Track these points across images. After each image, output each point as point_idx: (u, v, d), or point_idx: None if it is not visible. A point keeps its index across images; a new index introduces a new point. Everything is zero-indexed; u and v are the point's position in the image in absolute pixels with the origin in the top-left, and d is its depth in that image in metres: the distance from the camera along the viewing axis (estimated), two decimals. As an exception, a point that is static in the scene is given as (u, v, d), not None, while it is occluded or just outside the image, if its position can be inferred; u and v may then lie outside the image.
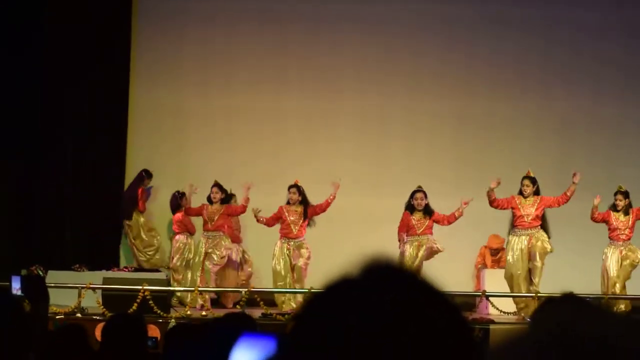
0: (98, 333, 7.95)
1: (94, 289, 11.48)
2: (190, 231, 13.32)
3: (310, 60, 14.66)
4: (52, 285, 10.65)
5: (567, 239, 13.25)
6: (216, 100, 14.58)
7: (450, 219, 12.29)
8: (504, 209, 12.33)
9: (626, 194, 12.44)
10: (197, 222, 13.18)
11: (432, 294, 1.11)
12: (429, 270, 12.08)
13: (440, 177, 14.10)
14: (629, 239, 12.39)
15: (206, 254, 12.71)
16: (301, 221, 12.40)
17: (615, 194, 12.47)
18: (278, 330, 9.57)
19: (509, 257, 12.34)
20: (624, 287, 12.34)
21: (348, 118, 14.60)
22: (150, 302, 11.22)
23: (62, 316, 10.81)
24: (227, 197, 13.19)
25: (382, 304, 1.07)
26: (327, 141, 14.56)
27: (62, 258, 13.53)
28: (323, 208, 12.43)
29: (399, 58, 14.69)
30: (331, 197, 12.38)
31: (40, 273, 11.82)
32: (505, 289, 12.38)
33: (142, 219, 14.03)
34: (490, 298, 12.10)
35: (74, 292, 11.49)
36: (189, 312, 11.57)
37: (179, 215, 13.30)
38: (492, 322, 11.35)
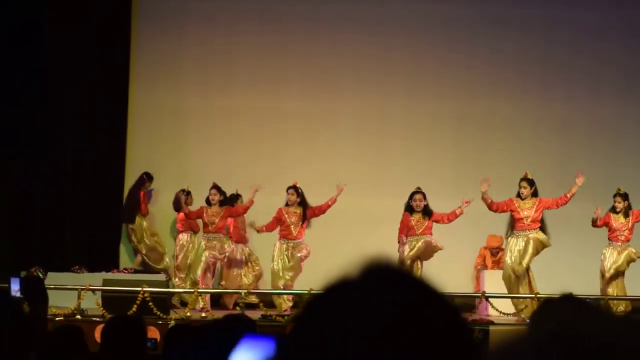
0: (98, 334, 7.96)
1: (93, 291, 11.48)
2: (194, 229, 13.31)
3: (310, 61, 14.66)
4: (52, 286, 10.63)
5: (566, 239, 13.25)
6: (216, 101, 14.58)
7: (451, 217, 12.27)
8: (504, 211, 12.32)
9: (625, 196, 12.44)
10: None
11: (431, 295, 1.11)
12: (428, 271, 12.08)
13: (440, 178, 14.10)
14: (628, 241, 12.39)
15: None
16: (301, 223, 12.40)
17: (615, 196, 12.47)
18: (278, 331, 9.57)
19: (507, 259, 12.34)
20: (615, 277, 12.27)
21: (348, 118, 14.60)
22: (150, 303, 11.22)
23: (62, 318, 10.80)
24: (233, 198, 13.20)
25: (381, 306, 1.07)
26: (327, 141, 14.57)
27: (62, 259, 13.53)
28: (323, 210, 12.43)
29: (399, 58, 14.69)
30: (332, 200, 12.37)
31: (40, 275, 11.81)
32: (505, 290, 12.38)
33: (145, 223, 13.99)
34: (490, 299, 12.09)
35: (73, 293, 11.49)
36: (188, 314, 11.57)
37: (181, 214, 13.30)
38: (492, 323, 11.34)
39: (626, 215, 12.41)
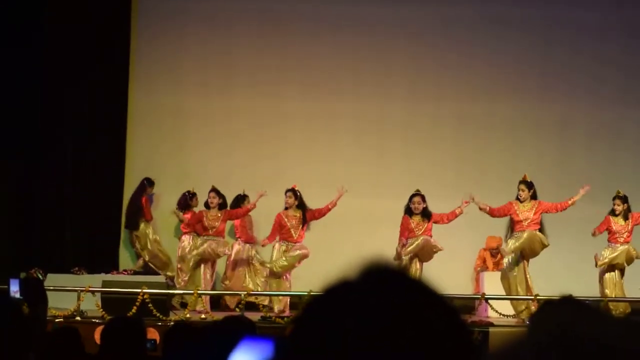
0: (97, 336, 7.96)
1: (93, 292, 11.48)
2: (197, 232, 13.30)
3: (310, 62, 14.67)
4: (51, 288, 10.63)
5: (565, 241, 13.25)
6: (216, 101, 14.58)
7: (450, 217, 12.27)
8: (505, 215, 12.33)
9: (625, 199, 12.44)
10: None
11: (430, 297, 1.11)
12: (428, 272, 12.07)
13: (439, 179, 14.10)
14: (627, 243, 12.38)
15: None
16: (301, 226, 12.40)
17: (614, 198, 12.46)
18: (277, 333, 9.57)
19: (506, 260, 12.37)
20: (610, 270, 12.26)
21: (348, 119, 14.60)
22: (150, 305, 11.21)
23: (61, 319, 10.80)
24: (240, 198, 13.19)
25: (380, 307, 1.07)
26: (327, 142, 14.56)
27: (61, 261, 13.53)
28: (322, 213, 12.41)
29: (399, 59, 14.69)
30: (332, 204, 12.37)
31: (39, 276, 11.81)
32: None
33: (149, 230, 13.97)
34: (490, 301, 12.09)
35: (73, 295, 11.48)
36: (188, 315, 11.56)
37: (187, 215, 13.28)
38: (492, 324, 11.34)
39: (626, 218, 12.41)
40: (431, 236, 12.24)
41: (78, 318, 11.11)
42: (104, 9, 14.06)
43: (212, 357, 3.58)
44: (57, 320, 10.62)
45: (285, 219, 12.36)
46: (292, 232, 12.36)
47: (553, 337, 1.10)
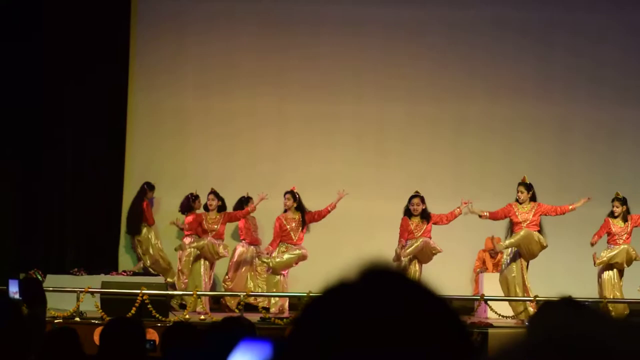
0: (97, 337, 7.95)
1: (92, 293, 11.47)
2: (198, 234, 13.29)
3: (309, 64, 14.66)
4: (51, 289, 10.63)
5: (564, 242, 13.25)
6: (216, 103, 14.58)
7: (450, 218, 12.28)
8: (505, 217, 12.33)
9: (624, 201, 12.43)
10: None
11: (429, 298, 1.11)
12: (427, 273, 12.07)
13: (439, 180, 14.11)
14: (627, 245, 12.37)
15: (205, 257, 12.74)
16: (300, 228, 12.40)
17: (613, 200, 12.47)
18: (277, 334, 9.57)
19: (504, 261, 12.38)
20: (608, 269, 12.24)
21: (347, 121, 14.60)
22: (149, 306, 11.21)
23: (61, 320, 10.80)
24: (244, 200, 13.18)
25: (379, 308, 1.07)
26: (327, 144, 14.56)
27: (61, 262, 13.52)
28: (322, 215, 12.42)
29: (398, 61, 14.69)
30: (331, 206, 12.37)
31: (39, 277, 11.80)
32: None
33: (151, 234, 13.95)
34: (489, 302, 12.09)
35: (72, 296, 11.48)
36: (187, 316, 11.56)
37: (189, 217, 13.28)
38: (491, 326, 11.34)
39: (625, 220, 12.41)
40: (430, 237, 12.24)
41: (77, 319, 11.11)
42: (103, 10, 14.06)
43: (211, 358, 3.58)
44: (56, 321, 10.62)
45: (285, 222, 12.36)
46: (292, 234, 12.36)
47: (552, 338, 1.10)
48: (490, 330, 10.89)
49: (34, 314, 6.79)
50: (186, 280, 12.83)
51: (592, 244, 12.27)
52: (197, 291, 12.16)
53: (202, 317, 11.67)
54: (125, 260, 14.19)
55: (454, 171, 14.48)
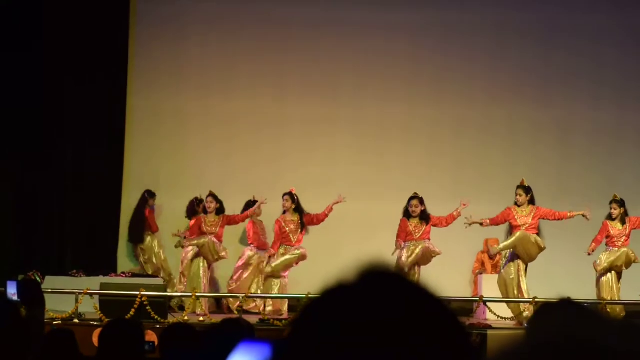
0: (95, 338, 7.94)
1: (91, 295, 11.47)
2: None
3: (309, 66, 14.67)
4: (50, 290, 10.61)
5: (563, 244, 13.24)
6: (215, 105, 14.58)
7: (449, 220, 12.29)
8: (505, 222, 12.33)
9: (621, 203, 12.43)
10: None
11: (428, 300, 1.11)
12: (426, 275, 12.08)
13: (438, 183, 14.11)
14: (626, 247, 12.36)
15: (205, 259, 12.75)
16: (299, 230, 12.40)
17: (611, 202, 12.46)
18: (276, 335, 9.57)
19: (503, 263, 12.38)
20: (608, 272, 12.24)
21: (347, 123, 14.61)
22: (148, 307, 11.21)
23: (60, 322, 10.79)
24: (250, 204, 13.13)
25: (378, 310, 1.07)
26: (326, 146, 14.56)
27: (60, 263, 13.52)
28: (320, 219, 12.44)
29: (398, 64, 14.69)
30: (328, 210, 12.37)
31: (37, 278, 11.80)
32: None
33: (155, 243, 13.93)
34: (488, 303, 12.09)
35: (71, 297, 11.48)
36: (186, 318, 11.56)
37: (192, 221, 13.25)
38: (490, 327, 11.34)
39: (623, 222, 12.40)
40: (429, 239, 12.25)
41: (76, 320, 11.11)
42: (103, 12, 14.06)
43: (210, 359, 3.58)
44: (55, 322, 10.61)
45: (284, 224, 12.37)
46: (291, 236, 12.37)
47: (551, 339, 1.10)
48: (489, 332, 10.89)
49: (32, 316, 6.79)
50: (186, 282, 12.83)
51: (589, 254, 12.24)
52: (196, 293, 12.15)
53: (201, 318, 11.67)
54: (124, 262, 14.18)
55: (454, 173, 14.48)
